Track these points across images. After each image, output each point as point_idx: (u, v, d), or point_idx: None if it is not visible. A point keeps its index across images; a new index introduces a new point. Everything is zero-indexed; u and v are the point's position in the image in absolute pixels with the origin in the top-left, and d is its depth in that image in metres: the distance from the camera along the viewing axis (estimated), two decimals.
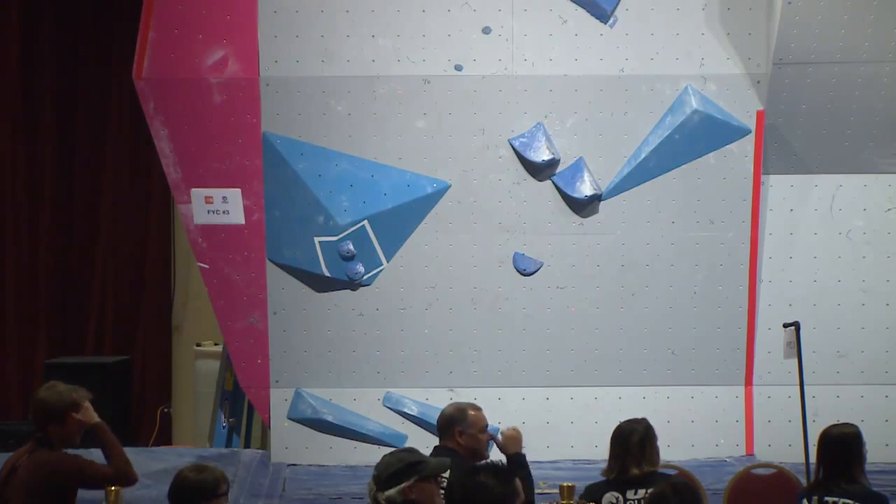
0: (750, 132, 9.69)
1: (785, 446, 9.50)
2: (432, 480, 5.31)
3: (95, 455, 6.35)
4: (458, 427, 6.62)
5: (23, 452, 6.25)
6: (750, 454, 9.74)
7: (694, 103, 9.67)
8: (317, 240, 9.68)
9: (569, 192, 9.70)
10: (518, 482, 4.76)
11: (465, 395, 9.56)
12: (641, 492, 6.33)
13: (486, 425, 6.72)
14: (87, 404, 6.26)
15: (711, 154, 9.73)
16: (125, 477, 6.18)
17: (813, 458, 6.54)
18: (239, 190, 9.63)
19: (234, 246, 9.66)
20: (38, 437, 6.22)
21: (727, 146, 9.72)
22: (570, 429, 9.77)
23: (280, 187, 9.64)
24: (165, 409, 11.84)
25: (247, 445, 10.22)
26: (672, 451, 8.92)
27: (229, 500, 5.60)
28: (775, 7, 9.51)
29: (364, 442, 9.72)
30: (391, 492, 5.22)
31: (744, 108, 9.68)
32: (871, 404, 9.79)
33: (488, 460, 5.07)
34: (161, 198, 12.02)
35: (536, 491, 8.44)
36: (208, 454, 9.41)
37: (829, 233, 9.89)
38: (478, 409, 6.74)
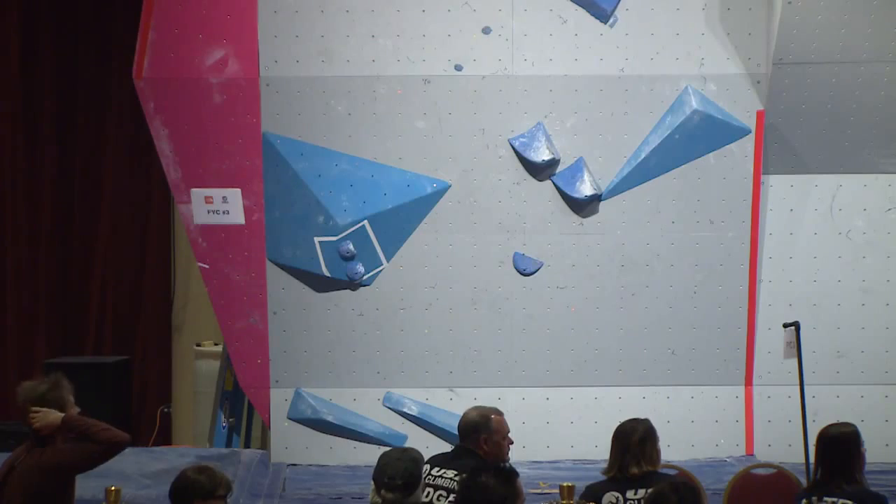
0: (750, 132, 9.69)
1: (785, 446, 9.50)
2: None
3: None
4: (484, 434, 6.63)
5: (21, 452, 6.24)
6: (750, 454, 9.74)
7: (694, 103, 9.67)
8: (317, 240, 9.67)
9: (569, 192, 9.70)
10: (519, 483, 4.77)
11: (464, 395, 9.57)
12: (641, 491, 6.31)
13: (509, 430, 6.72)
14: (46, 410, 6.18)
15: (711, 154, 9.73)
16: (115, 443, 6.12)
17: (813, 459, 6.52)
18: (239, 190, 9.63)
19: (234, 246, 9.66)
20: (35, 435, 6.20)
21: (727, 146, 9.72)
22: (570, 429, 9.77)
23: (280, 187, 9.64)
24: (165, 409, 11.83)
25: (247, 445, 10.21)
26: (672, 451, 8.92)
27: (229, 501, 5.60)
28: (775, 7, 9.51)
29: (364, 442, 9.71)
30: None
31: (744, 108, 9.68)
32: (871, 404, 9.79)
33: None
34: (161, 198, 12.02)
35: (536, 491, 8.47)
36: (208, 454, 9.40)
37: (829, 233, 9.88)
38: (500, 413, 6.74)
